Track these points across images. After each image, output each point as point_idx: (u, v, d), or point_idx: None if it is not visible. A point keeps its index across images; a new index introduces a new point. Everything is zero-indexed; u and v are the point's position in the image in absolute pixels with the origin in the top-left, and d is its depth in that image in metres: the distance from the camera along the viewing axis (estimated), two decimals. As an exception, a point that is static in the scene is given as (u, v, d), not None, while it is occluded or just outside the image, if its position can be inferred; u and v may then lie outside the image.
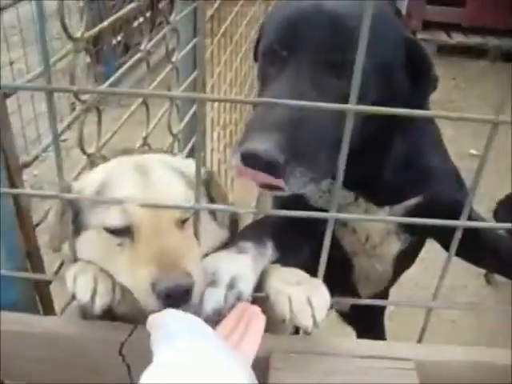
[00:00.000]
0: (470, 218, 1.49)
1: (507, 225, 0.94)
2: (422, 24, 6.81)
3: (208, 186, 1.13)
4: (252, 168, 0.99)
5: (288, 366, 0.99)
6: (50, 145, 1.20)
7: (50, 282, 1.22)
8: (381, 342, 1.05)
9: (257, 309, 1.00)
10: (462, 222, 0.95)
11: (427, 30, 6.77)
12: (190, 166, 1.10)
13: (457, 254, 1.64)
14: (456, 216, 1.40)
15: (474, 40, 6.59)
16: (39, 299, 1.20)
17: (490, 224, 1.02)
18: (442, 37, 6.70)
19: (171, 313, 0.90)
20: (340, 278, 1.51)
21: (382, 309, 2.26)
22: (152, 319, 0.91)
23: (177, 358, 0.79)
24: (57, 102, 4.07)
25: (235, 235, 1.17)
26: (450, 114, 0.86)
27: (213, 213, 1.11)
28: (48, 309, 1.23)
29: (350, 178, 1.00)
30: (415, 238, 1.51)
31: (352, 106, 0.85)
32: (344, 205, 1.35)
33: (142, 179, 1.04)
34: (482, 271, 3.15)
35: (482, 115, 0.85)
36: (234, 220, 1.18)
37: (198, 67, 0.89)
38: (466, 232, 1.14)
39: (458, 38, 6.62)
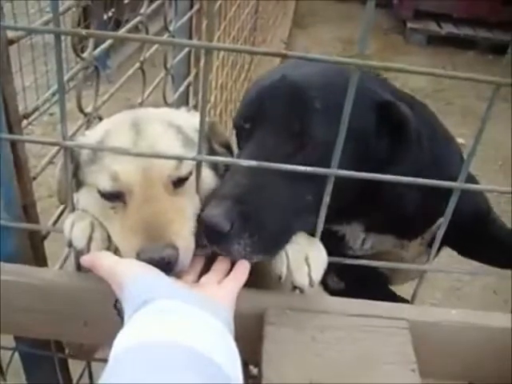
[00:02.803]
0: (491, 226, 1.57)
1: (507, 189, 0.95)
2: (413, 14, 6.83)
3: (209, 139, 1.13)
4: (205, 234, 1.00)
5: (283, 322, 1.01)
6: (50, 98, 1.20)
7: (44, 237, 1.22)
8: (374, 302, 1.06)
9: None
10: (459, 184, 0.96)
11: (418, 20, 6.79)
12: (189, 119, 1.10)
13: (476, 259, 1.70)
14: (478, 225, 1.52)
15: (464, 31, 6.62)
16: (33, 254, 1.20)
17: (486, 187, 1.02)
18: (433, 27, 6.72)
19: (132, 268, 0.92)
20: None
21: None
22: (110, 270, 0.93)
23: (149, 322, 0.81)
24: (50, 71, 4.06)
25: None
26: (458, 73, 0.87)
27: (215, 167, 1.11)
28: (41, 264, 1.23)
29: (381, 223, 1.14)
30: None
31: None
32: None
33: (134, 137, 1.04)
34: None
35: (485, 77, 0.86)
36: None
37: (209, 19, 0.89)
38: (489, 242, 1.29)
39: (448, 29, 6.64)
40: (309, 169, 0.93)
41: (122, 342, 0.78)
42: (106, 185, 1.00)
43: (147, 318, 0.81)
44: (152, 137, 1.04)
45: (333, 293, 1.70)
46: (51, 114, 3.97)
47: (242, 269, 1.02)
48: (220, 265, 1.03)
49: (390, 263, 1.13)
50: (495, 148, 4.22)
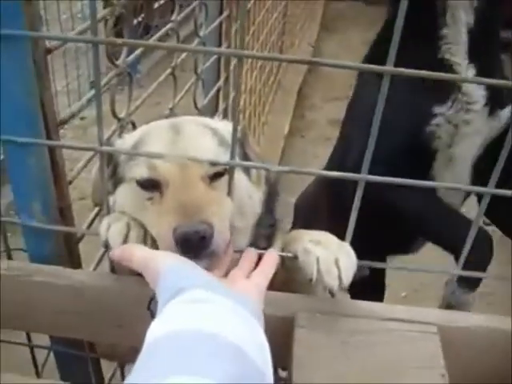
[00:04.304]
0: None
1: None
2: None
3: (242, 145, 1.15)
4: None
5: (312, 325, 1.01)
6: (85, 104, 1.23)
7: (79, 240, 1.25)
8: (403, 307, 1.06)
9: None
10: (489, 190, 0.96)
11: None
12: (224, 125, 1.13)
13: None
14: None
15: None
16: (68, 256, 1.23)
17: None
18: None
19: (166, 259, 0.92)
20: None
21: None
22: (145, 261, 0.93)
23: (182, 312, 0.80)
24: (81, 76, 4.14)
25: (273, 197, 1.21)
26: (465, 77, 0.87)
27: (247, 172, 1.12)
28: (76, 266, 1.26)
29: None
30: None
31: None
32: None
33: (173, 136, 1.08)
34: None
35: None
36: (270, 182, 1.20)
37: (240, 26, 0.91)
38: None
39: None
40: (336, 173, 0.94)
41: (155, 331, 0.78)
42: (144, 172, 1.04)
43: (180, 307, 0.81)
44: (190, 136, 1.08)
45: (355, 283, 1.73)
46: (82, 118, 4.04)
47: (270, 263, 1.03)
48: (246, 262, 1.04)
49: (417, 268, 1.13)
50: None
